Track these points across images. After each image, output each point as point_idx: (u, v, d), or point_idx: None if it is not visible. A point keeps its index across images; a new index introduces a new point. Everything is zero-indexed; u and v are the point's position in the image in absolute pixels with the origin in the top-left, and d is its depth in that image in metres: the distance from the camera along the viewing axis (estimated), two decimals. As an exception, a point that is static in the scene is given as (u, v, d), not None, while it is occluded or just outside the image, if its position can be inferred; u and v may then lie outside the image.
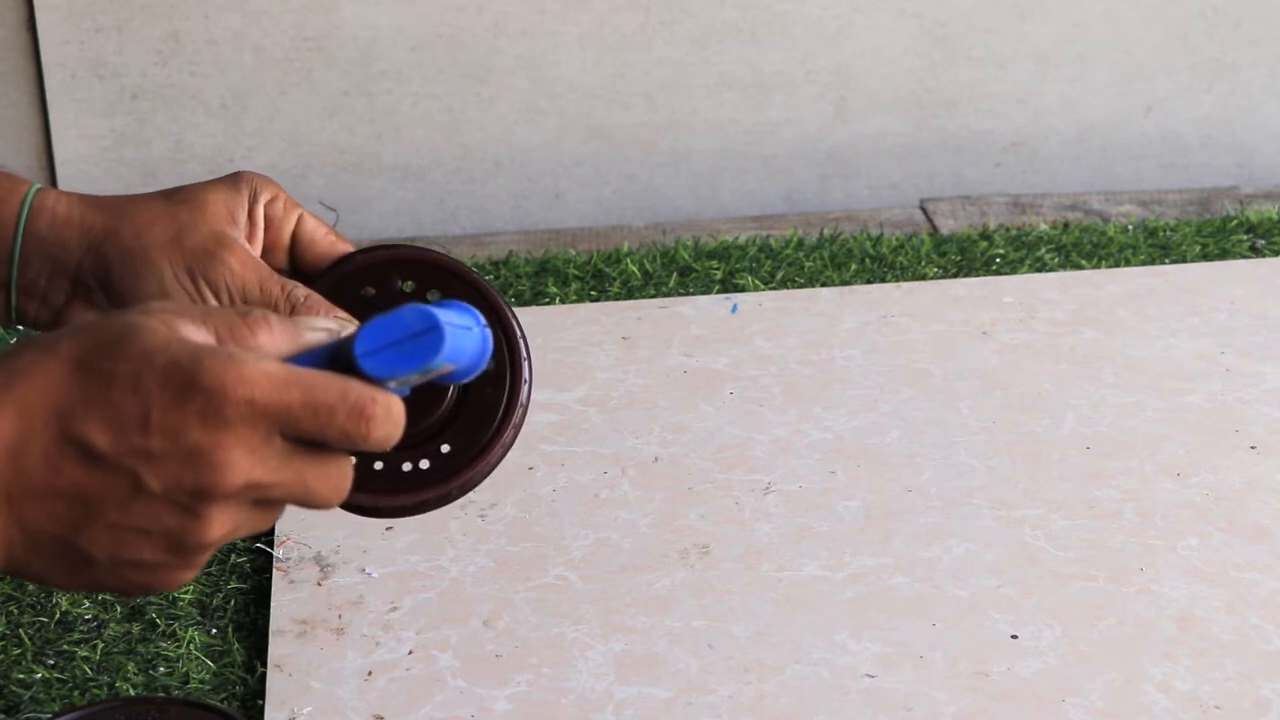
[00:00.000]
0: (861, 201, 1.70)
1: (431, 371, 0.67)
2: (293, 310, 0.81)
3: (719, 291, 1.42)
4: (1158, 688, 0.97)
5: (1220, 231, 1.52)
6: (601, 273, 1.45)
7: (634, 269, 1.45)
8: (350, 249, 0.87)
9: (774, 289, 1.42)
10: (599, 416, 1.24)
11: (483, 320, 0.71)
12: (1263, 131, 1.73)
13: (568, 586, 1.06)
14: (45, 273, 0.84)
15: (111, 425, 0.63)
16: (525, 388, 0.85)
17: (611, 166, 1.66)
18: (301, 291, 0.82)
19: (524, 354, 0.85)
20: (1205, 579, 1.06)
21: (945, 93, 1.68)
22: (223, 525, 0.65)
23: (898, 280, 1.43)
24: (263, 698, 0.97)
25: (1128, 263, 1.46)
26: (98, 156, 1.60)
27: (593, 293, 1.42)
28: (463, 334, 0.68)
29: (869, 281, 1.43)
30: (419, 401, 0.71)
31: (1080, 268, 1.45)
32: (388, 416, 0.65)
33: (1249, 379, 1.27)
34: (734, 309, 1.38)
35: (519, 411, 0.85)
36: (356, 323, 0.81)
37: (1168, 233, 1.52)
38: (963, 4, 1.65)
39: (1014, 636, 1.01)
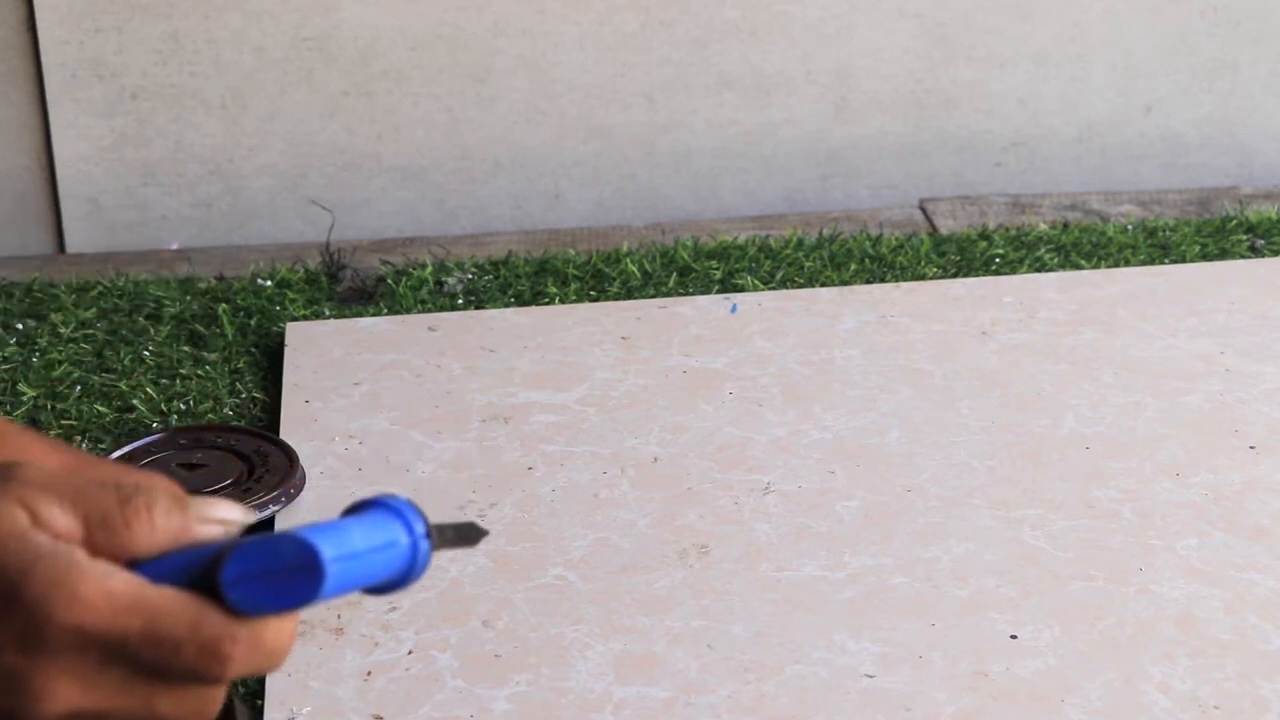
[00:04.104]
0: (861, 201, 1.70)
1: (321, 601, 0.56)
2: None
3: (719, 291, 1.42)
4: (1157, 688, 0.97)
5: (1220, 231, 1.52)
6: (601, 273, 1.45)
7: (634, 269, 1.45)
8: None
9: (773, 289, 1.42)
10: (599, 416, 1.23)
11: (418, 528, 0.57)
12: (1263, 131, 1.73)
13: (567, 586, 1.06)
14: None
15: None
16: None
17: (611, 166, 1.66)
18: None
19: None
20: (1205, 579, 1.06)
21: (945, 93, 1.68)
22: None
23: (897, 280, 1.43)
24: (262, 698, 0.97)
25: (1127, 263, 1.46)
26: (98, 156, 1.60)
27: (592, 293, 1.42)
28: (369, 559, 0.56)
29: (869, 281, 1.43)
30: None
31: (1080, 268, 1.45)
32: (253, 651, 0.56)
33: (1249, 379, 1.27)
34: (733, 309, 1.38)
35: None
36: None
37: (1167, 233, 1.52)
38: (963, 4, 1.65)
39: (1013, 636, 1.01)
